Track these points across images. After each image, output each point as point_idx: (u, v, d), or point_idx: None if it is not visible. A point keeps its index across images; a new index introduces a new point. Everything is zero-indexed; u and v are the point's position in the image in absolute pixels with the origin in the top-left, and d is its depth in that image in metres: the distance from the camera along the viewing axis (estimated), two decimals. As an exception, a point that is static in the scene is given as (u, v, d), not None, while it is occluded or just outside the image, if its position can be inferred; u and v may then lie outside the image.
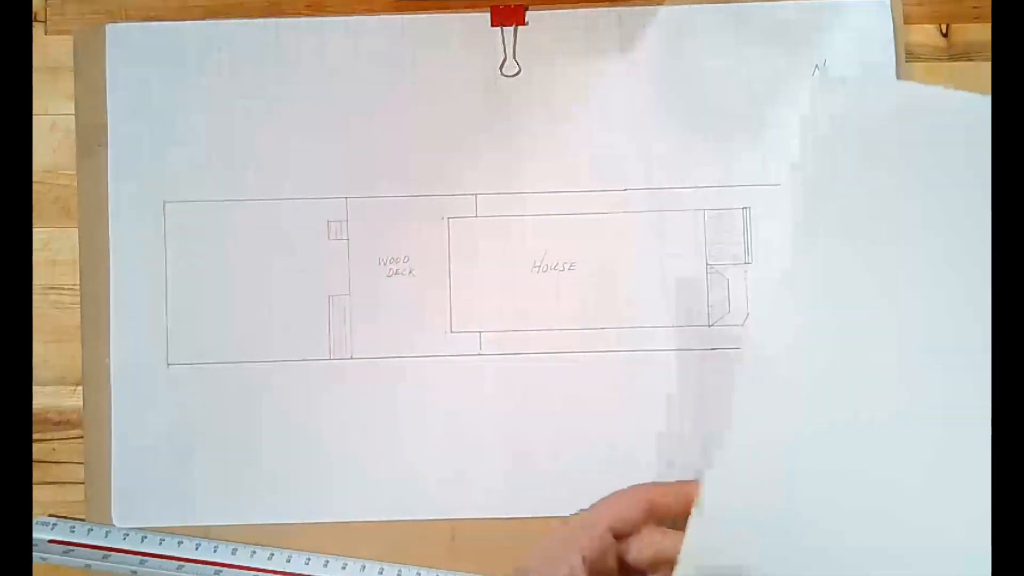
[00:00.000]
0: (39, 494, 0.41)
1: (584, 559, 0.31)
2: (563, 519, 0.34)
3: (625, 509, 0.33)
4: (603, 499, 0.34)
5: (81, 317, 0.42)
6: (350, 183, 0.41)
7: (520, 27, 0.41)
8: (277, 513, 0.40)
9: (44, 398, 0.42)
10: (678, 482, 0.35)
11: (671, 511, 0.33)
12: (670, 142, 0.41)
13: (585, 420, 0.40)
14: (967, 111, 0.39)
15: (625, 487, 0.34)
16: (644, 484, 0.34)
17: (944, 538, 0.33)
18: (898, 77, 0.41)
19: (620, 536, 0.33)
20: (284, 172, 0.41)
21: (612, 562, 0.32)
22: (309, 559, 0.40)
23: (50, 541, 0.40)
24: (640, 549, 0.32)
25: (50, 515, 0.41)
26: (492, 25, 0.42)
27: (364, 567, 0.39)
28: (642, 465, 0.40)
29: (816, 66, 0.41)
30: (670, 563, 0.31)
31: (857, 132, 0.39)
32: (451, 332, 0.41)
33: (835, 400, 0.33)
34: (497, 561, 0.39)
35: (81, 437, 0.41)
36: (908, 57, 0.41)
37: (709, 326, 0.40)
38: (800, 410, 0.33)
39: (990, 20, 0.42)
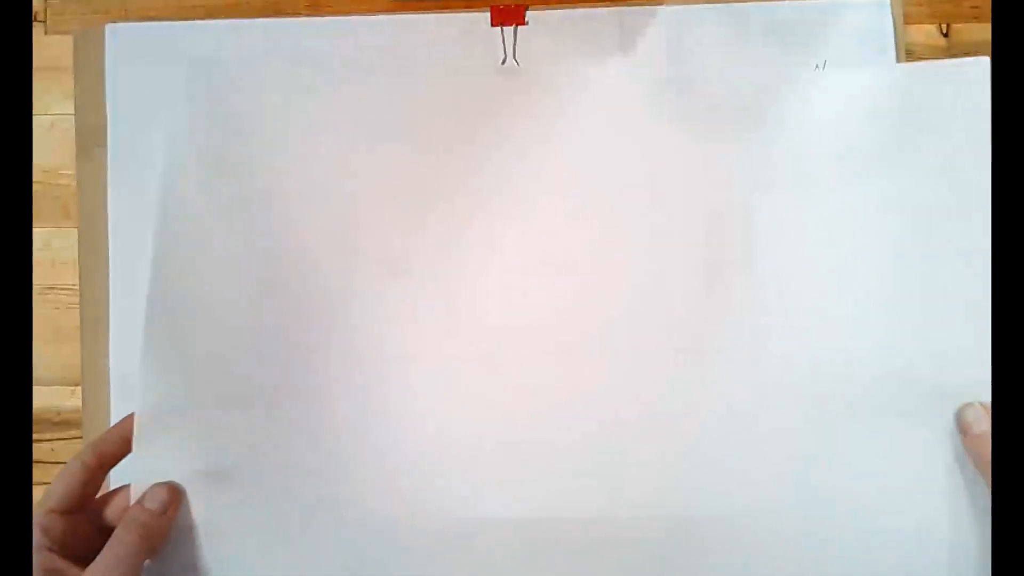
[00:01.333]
0: (39, 494, 0.41)
1: (49, 549, 0.32)
2: None
3: (61, 487, 0.33)
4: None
5: (81, 317, 0.41)
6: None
7: (520, 27, 0.41)
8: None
9: (44, 398, 0.42)
10: (113, 427, 0.35)
11: (115, 454, 0.35)
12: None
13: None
14: (966, 106, 0.39)
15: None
16: (78, 452, 0.34)
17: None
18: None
19: (76, 508, 0.33)
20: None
21: (82, 533, 0.33)
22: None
23: (50, 541, 0.40)
24: (111, 509, 0.34)
25: (50, 515, 0.41)
26: (492, 25, 0.42)
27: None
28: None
29: (816, 66, 0.41)
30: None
31: (857, 130, 0.40)
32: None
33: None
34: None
35: (81, 437, 0.41)
36: (908, 57, 0.41)
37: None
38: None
39: (990, 20, 0.42)
